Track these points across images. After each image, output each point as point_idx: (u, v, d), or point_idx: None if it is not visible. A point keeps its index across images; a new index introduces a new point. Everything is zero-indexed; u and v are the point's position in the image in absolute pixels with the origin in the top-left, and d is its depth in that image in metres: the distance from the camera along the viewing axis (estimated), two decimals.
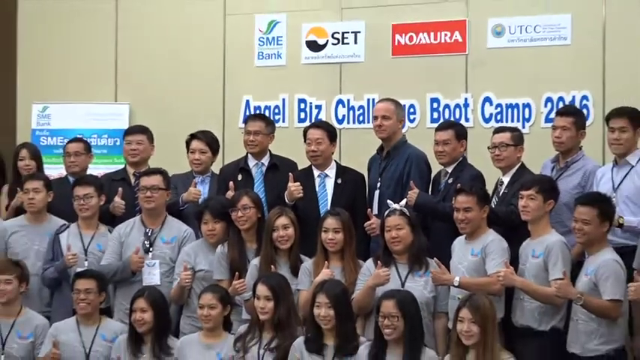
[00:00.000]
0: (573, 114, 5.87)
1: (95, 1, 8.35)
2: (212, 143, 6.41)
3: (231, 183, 6.04)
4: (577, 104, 6.75)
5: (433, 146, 5.91)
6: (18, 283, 5.63)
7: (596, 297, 4.87)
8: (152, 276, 5.79)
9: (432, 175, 6.01)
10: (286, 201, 5.83)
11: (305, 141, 6.10)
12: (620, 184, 5.49)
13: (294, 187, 5.83)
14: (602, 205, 5.06)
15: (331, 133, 6.11)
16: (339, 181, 6.04)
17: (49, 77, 8.41)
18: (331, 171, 6.08)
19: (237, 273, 5.46)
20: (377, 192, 5.96)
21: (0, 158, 6.74)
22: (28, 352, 5.64)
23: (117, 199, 6.14)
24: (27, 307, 5.75)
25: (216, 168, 6.51)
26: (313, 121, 7.18)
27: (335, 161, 6.20)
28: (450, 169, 5.86)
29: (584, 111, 6.46)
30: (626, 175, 5.50)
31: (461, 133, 5.94)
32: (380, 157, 6.10)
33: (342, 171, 6.12)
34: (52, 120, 8.26)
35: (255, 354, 5.16)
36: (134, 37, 8.23)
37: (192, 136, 6.40)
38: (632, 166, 5.51)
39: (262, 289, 5.16)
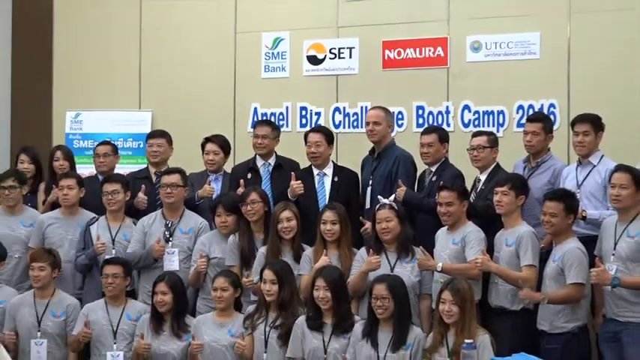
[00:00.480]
0: (542, 120, 5.88)
1: (121, 23, 8.32)
2: (224, 145, 6.40)
3: (241, 181, 6.03)
4: (545, 111, 6.73)
5: (419, 148, 5.91)
6: (51, 270, 5.62)
7: (563, 280, 4.91)
8: (172, 262, 5.78)
9: (418, 174, 6.00)
10: (289, 197, 5.84)
11: (306, 144, 6.09)
12: (583, 182, 5.50)
13: (295, 185, 5.83)
14: (568, 200, 5.08)
15: (329, 137, 6.11)
16: (336, 179, 6.03)
17: (81, 88, 8.40)
18: (329, 170, 6.07)
19: (244, 278, 5.48)
20: (369, 188, 5.95)
21: (37, 159, 6.70)
22: (61, 329, 5.64)
23: (140, 195, 6.15)
24: (59, 290, 5.76)
25: (228, 167, 6.50)
26: (313, 126, 7.16)
27: (332, 161, 6.18)
28: (433, 169, 5.85)
29: (552, 117, 6.43)
30: (588, 174, 5.51)
31: (443, 137, 5.94)
32: (372, 157, 6.09)
33: (338, 170, 6.11)
34: (84, 125, 8.24)
35: (262, 331, 5.18)
36: (156, 52, 8.22)
37: (207, 140, 6.40)
38: (594, 166, 5.52)
39: (268, 274, 5.17)
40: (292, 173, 5.94)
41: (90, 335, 5.42)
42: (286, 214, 5.50)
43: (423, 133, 6.03)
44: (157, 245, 5.75)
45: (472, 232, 5.27)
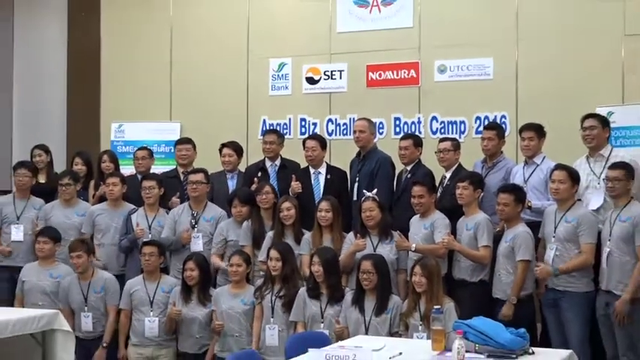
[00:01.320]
0: (496, 128, 5.85)
1: (156, 52, 8.27)
2: (238, 150, 6.36)
3: (255, 179, 6.01)
4: (498, 121, 6.71)
5: (397, 151, 5.88)
6: (87, 256, 5.58)
7: (513, 257, 4.92)
8: (197, 245, 5.76)
9: (397, 172, 5.95)
10: (290, 193, 5.81)
11: (304, 148, 6.07)
12: (529, 178, 5.47)
13: (295, 185, 5.82)
14: (517, 192, 5.07)
15: (323, 143, 6.08)
16: (329, 176, 6.00)
17: (123, 104, 8.35)
18: (323, 169, 6.04)
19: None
20: (356, 184, 5.90)
21: (89, 161, 6.71)
22: (102, 302, 5.64)
23: (174, 199, 6.12)
24: (97, 269, 5.73)
25: (242, 167, 6.46)
26: (310, 134, 7.11)
27: (326, 162, 6.16)
28: (409, 168, 5.81)
29: (503, 126, 6.41)
30: (533, 172, 5.49)
31: (418, 142, 5.91)
32: (358, 159, 6.04)
33: (330, 169, 6.09)
34: (126, 134, 8.21)
35: (269, 300, 5.16)
36: (184, 74, 8.17)
37: (224, 145, 6.35)
38: (538, 165, 5.49)
39: (274, 253, 5.16)
40: (292, 175, 5.91)
41: (179, 312, 5.36)
42: (286, 204, 5.48)
43: (401, 139, 6.01)
44: (185, 233, 5.73)
45: (439, 219, 5.25)
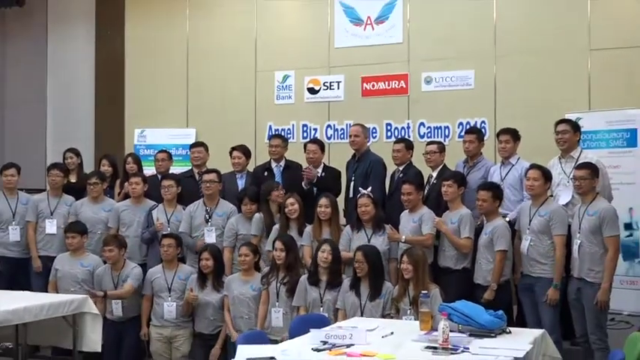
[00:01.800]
0: (476, 132, 5.84)
1: (174, 67, 8.24)
2: (246, 152, 6.32)
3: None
4: (478, 126, 6.70)
5: (391, 153, 5.85)
6: (118, 250, 5.56)
7: (492, 248, 4.91)
8: (210, 237, 5.73)
9: (390, 172, 5.90)
10: (303, 185, 5.81)
11: (305, 151, 6.06)
12: (505, 177, 5.44)
13: (311, 172, 5.84)
14: (495, 190, 5.04)
15: (322, 146, 6.07)
16: (323, 174, 5.97)
17: (145, 112, 8.34)
18: (320, 169, 6.00)
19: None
20: (352, 183, 5.88)
21: (114, 163, 6.68)
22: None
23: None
24: (127, 260, 5.69)
25: (250, 167, 6.43)
26: (311, 138, 7.08)
27: (323, 163, 6.13)
28: (401, 168, 5.78)
29: (483, 130, 6.42)
30: (509, 171, 5.46)
31: (409, 145, 5.88)
32: (353, 160, 6.01)
33: (325, 168, 6.07)
34: (147, 139, 8.19)
35: (274, 286, 5.13)
36: (198, 84, 8.15)
37: (233, 148, 6.32)
38: (513, 165, 5.47)
39: (278, 244, 5.13)
40: (306, 169, 5.90)
41: (196, 297, 5.34)
42: (291, 200, 5.45)
43: (394, 143, 5.98)
44: (200, 242, 5.68)
45: (426, 213, 5.23)
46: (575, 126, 5.28)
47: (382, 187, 5.79)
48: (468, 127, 6.72)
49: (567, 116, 5.73)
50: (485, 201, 4.98)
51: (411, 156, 5.85)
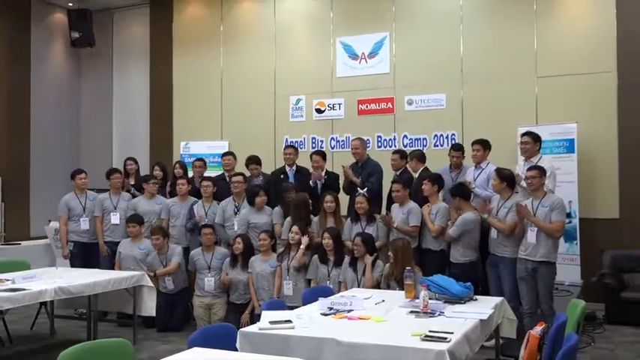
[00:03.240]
0: (459, 149, 5.66)
1: (210, 91, 8.21)
2: (259, 162, 6.17)
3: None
4: (448, 139, 6.69)
5: (390, 161, 5.73)
6: (163, 239, 5.52)
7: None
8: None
9: (388, 177, 5.73)
10: (311, 183, 5.70)
11: (311, 160, 5.89)
12: (477, 178, 5.38)
13: (317, 174, 5.74)
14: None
15: (324, 156, 5.92)
16: (326, 177, 5.81)
17: (188, 128, 8.33)
18: (323, 172, 5.86)
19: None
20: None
21: (165, 169, 6.65)
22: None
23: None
24: (171, 244, 5.63)
25: (267, 171, 6.37)
26: (318, 149, 6.99)
27: (325, 169, 5.96)
28: (398, 173, 5.65)
29: (452, 141, 6.37)
30: (479, 173, 5.40)
31: (403, 155, 5.75)
32: (357, 166, 5.80)
33: (326, 172, 5.90)
34: (190, 149, 8.15)
35: (285, 264, 5.08)
36: (230, 107, 8.12)
37: (249, 162, 6.16)
38: (483, 169, 5.40)
39: (294, 229, 5.08)
40: (315, 173, 5.76)
41: (229, 280, 5.32)
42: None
43: (392, 153, 5.84)
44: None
45: (413, 207, 5.13)
46: (535, 137, 5.16)
47: (380, 182, 5.69)
48: (442, 139, 6.69)
49: (519, 129, 5.67)
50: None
51: (406, 163, 5.72)
